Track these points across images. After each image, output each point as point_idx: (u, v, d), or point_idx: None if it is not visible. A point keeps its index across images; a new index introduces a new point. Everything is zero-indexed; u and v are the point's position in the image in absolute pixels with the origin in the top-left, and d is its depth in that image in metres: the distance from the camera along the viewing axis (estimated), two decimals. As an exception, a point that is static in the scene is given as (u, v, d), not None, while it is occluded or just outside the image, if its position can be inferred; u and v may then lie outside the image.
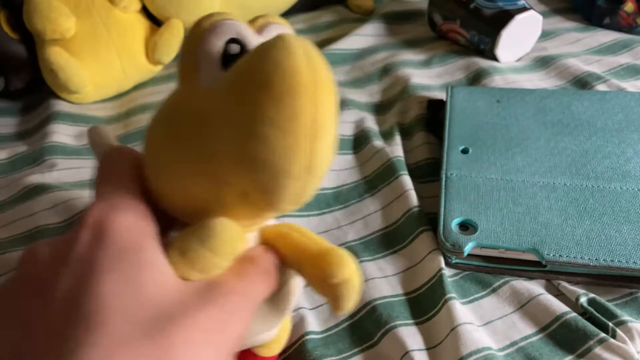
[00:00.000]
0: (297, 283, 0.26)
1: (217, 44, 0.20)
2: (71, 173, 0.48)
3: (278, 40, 0.17)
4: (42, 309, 0.19)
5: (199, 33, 0.21)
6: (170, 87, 0.62)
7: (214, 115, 0.19)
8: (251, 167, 0.18)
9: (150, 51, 0.61)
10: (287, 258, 0.24)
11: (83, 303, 0.18)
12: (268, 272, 0.23)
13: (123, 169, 0.23)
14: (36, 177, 0.47)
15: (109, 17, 0.59)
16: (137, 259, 0.19)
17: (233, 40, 0.20)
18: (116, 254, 0.19)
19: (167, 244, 0.21)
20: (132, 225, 0.20)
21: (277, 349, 0.31)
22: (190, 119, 0.20)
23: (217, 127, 0.19)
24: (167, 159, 0.21)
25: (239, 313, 0.20)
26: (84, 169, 0.49)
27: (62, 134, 0.54)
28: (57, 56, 0.55)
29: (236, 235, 0.20)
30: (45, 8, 0.55)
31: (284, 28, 0.23)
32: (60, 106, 0.58)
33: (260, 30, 0.22)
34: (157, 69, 0.64)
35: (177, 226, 0.23)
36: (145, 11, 0.64)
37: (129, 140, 0.53)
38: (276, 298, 0.24)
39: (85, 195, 0.45)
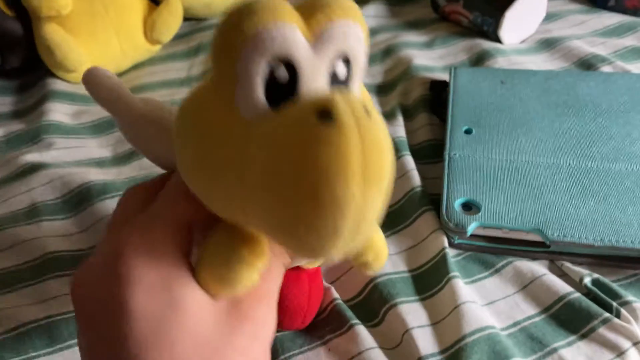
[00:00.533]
0: None
1: (261, 65, 0.16)
2: (69, 152, 0.48)
3: (334, 134, 0.14)
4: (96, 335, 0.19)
5: (238, 40, 0.16)
6: (169, 67, 0.62)
7: (251, 175, 0.16)
8: (285, 245, 0.18)
9: (149, 30, 0.60)
10: None
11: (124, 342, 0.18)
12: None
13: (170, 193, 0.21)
14: (33, 156, 0.46)
15: (106, -6, 0.58)
16: (168, 297, 0.18)
17: (280, 59, 0.16)
18: (145, 294, 0.18)
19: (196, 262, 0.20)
20: (162, 256, 0.19)
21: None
22: (225, 154, 0.17)
23: (253, 193, 0.16)
24: (200, 184, 0.19)
25: (268, 318, 0.21)
26: (82, 148, 0.49)
27: (59, 112, 0.53)
28: (54, 33, 0.54)
29: (266, 260, 0.20)
30: (41, -16, 0.53)
31: (351, 27, 0.18)
32: (57, 85, 0.57)
33: (317, 36, 0.17)
34: (156, 49, 0.63)
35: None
36: (143, -11, 0.63)
37: (128, 120, 0.53)
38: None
39: (83, 172, 0.44)
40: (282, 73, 0.16)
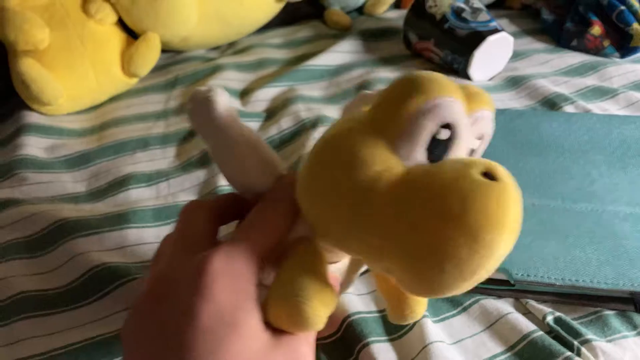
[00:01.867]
0: (360, 272, 0.29)
1: (434, 127, 0.20)
2: (41, 187, 0.47)
3: (501, 191, 0.18)
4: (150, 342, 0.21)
5: (420, 101, 0.20)
6: (146, 100, 0.62)
7: (402, 213, 0.19)
8: (414, 280, 0.19)
9: (126, 64, 0.61)
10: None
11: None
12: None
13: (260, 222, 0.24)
14: (4, 192, 0.46)
15: (84, 29, 0.59)
16: (231, 318, 0.21)
17: (446, 124, 0.20)
18: (215, 311, 0.21)
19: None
20: (237, 282, 0.22)
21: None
22: (376, 192, 0.20)
23: (402, 224, 0.19)
24: (331, 213, 0.21)
25: (307, 357, 0.23)
26: (56, 183, 0.48)
27: (34, 146, 0.53)
28: (30, 68, 0.54)
29: (323, 320, 0.22)
30: (18, 19, 0.54)
31: (491, 117, 0.23)
32: (32, 118, 0.57)
33: (472, 115, 0.21)
34: (133, 82, 0.64)
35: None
36: (121, 23, 0.64)
37: (103, 155, 0.53)
38: (346, 284, 0.28)
39: (55, 209, 0.44)
40: (444, 134, 0.20)
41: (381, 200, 0.19)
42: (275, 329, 0.22)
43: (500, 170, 0.19)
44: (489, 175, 0.18)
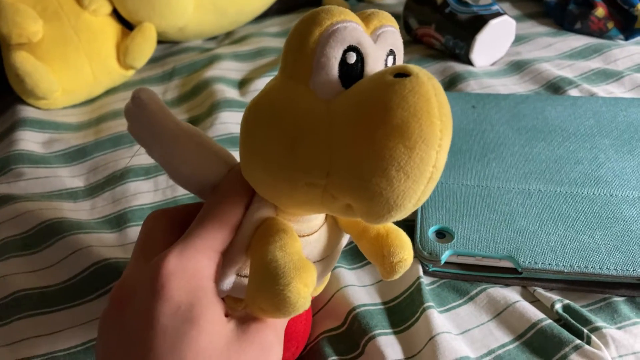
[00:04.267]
0: (344, 244, 0.29)
1: (338, 51, 0.20)
2: (38, 182, 0.47)
3: (415, 83, 0.18)
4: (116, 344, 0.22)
5: (317, 32, 0.20)
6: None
7: (336, 137, 0.19)
8: (368, 199, 0.19)
9: (122, 55, 0.60)
10: (344, 226, 0.27)
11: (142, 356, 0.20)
12: None
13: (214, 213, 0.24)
14: (2, 188, 0.45)
15: (78, 20, 0.57)
16: (189, 315, 0.21)
17: (351, 47, 0.20)
18: (172, 311, 0.21)
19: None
20: (191, 280, 0.22)
21: (319, 290, 0.32)
22: (306, 130, 0.20)
23: (338, 151, 0.19)
24: (274, 165, 0.21)
25: (274, 346, 0.23)
26: (52, 177, 0.48)
27: (30, 141, 0.52)
28: (24, 61, 0.53)
29: (308, 301, 0.21)
30: (10, 11, 0.53)
31: (395, 31, 0.22)
32: (28, 112, 0.56)
33: (374, 34, 0.21)
34: (129, 74, 0.63)
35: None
36: (116, 14, 0.62)
37: (100, 148, 0.52)
38: (331, 258, 0.27)
39: (52, 205, 0.43)
40: (352, 57, 0.20)
41: (313, 137, 0.19)
42: (240, 320, 0.23)
43: (411, 67, 0.18)
44: (401, 75, 0.18)
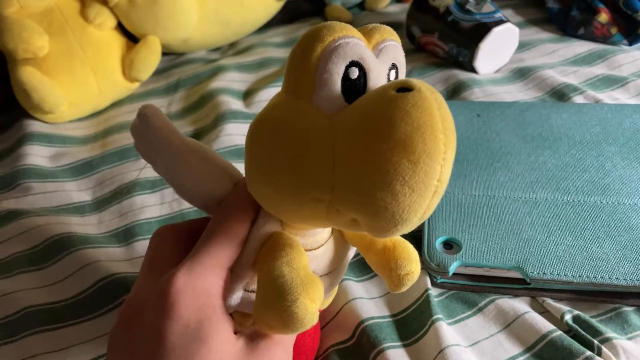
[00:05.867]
0: (351, 257, 0.28)
1: (340, 67, 0.20)
2: (46, 197, 0.47)
3: (417, 97, 0.18)
4: None
5: (320, 49, 0.20)
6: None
7: (340, 152, 0.19)
8: (373, 213, 0.19)
9: (127, 68, 0.60)
10: (351, 239, 0.27)
11: None
12: None
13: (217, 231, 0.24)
14: (9, 203, 0.45)
15: (83, 34, 0.58)
16: (199, 333, 0.21)
17: (353, 63, 0.20)
18: (181, 329, 0.21)
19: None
20: (200, 297, 0.22)
21: (327, 303, 0.33)
22: (309, 146, 0.20)
23: (342, 166, 0.19)
24: (279, 180, 0.21)
25: None
26: (59, 192, 0.48)
27: (37, 155, 0.52)
28: (30, 76, 0.54)
29: (315, 316, 0.21)
30: (17, 27, 0.53)
31: (397, 45, 0.23)
32: (35, 126, 0.56)
33: (376, 48, 0.22)
34: (134, 86, 0.63)
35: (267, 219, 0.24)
36: (121, 28, 0.63)
37: (107, 162, 0.52)
38: (338, 271, 0.27)
39: (60, 220, 0.43)
40: (354, 72, 0.20)
41: (317, 152, 0.19)
42: (249, 337, 0.23)
43: (414, 81, 0.18)
44: (404, 89, 0.18)
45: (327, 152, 0.19)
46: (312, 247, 0.25)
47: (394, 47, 0.22)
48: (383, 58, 0.22)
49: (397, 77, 0.23)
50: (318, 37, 0.20)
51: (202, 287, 0.22)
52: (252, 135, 0.22)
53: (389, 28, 0.23)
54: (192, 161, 0.25)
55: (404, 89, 0.18)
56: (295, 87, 0.21)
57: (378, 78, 0.21)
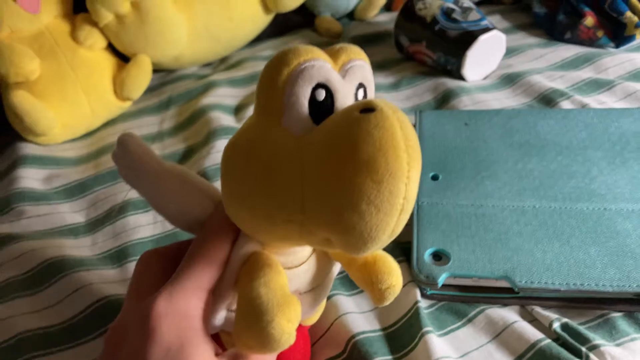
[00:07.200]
0: (336, 272, 0.29)
1: (306, 90, 0.21)
2: (40, 220, 0.47)
3: (379, 118, 0.18)
4: None
5: (286, 73, 0.21)
6: (141, 122, 0.62)
7: (308, 174, 0.20)
8: (343, 232, 0.19)
9: (119, 88, 0.61)
10: (333, 254, 0.27)
11: None
12: None
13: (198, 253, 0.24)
14: (3, 227, 0.46)
15: (74, 56, 0.59)
16: (180, 356, 0.22)
17: (319, 85, 0.21)
18: (163, 352, 0.21)
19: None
20: (181, 321, 0.22)
21: (315, 319, 0.33)
22: (278, 168, 0.20)
23: (310, 187, 0.19)
24: (252, 202, 0.21)
25: None
26: (53, 214, 0.48)
27: (30, 178, 0.53)
28: (22, 100, 0.54)
29: (292, 336, 0.22)
30: (8, 51, 0.54)
31: (364, 64, 0.23)
32: (28, 149, 0.57)
33: (343, 69, 0.22)
34: (126, 105, 0.64)
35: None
36: (111, 48, 0.64)
37: (100, 182, 0.53)
38: (322, 287, 0.27)
39: (54, 243, 0.44)
40: (321, 94, 0.21)
41: (285, 174, 0.20)
42: (231, 357, 0.23)
43: (376, 102, 0.19)
44: (367, 110, 0.19)
45: (295, 174, 0.20)
46: (293, 265, 0.25)
47: (360, 67, 0.23)
48: (349, 78, 0.22)
49: (365, 96, 0.23)
50: (284, 61, 0.21)
51: (183, 310, 0.23)
52: (225, 158, 0.23)
53: (356, 48, 0.23)
54: (171, 186, 0.26)
55: (368, 109, 0.19)
56: (264, 110, 0.22)
57: (345, 98, 0.22)
